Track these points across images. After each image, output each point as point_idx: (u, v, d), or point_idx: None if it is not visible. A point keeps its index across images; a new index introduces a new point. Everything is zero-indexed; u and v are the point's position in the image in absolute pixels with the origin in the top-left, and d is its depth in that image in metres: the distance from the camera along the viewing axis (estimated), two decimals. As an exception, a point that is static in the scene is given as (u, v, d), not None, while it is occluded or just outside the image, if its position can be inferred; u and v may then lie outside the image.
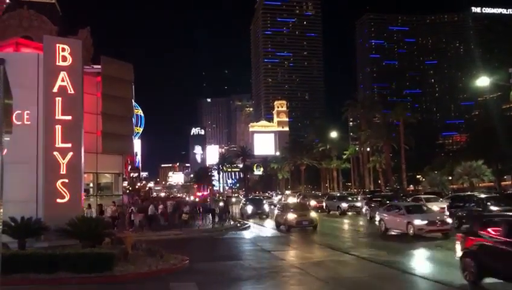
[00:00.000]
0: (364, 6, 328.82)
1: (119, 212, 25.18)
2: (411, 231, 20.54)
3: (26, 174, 18.46)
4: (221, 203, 37.04)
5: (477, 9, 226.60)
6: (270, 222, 33.04)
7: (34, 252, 13.28)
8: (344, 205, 38.80)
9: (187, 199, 73.69)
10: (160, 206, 32.09)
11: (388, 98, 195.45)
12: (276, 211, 29.26)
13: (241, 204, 43.29)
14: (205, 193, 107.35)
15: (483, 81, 31.64)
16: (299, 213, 26.02)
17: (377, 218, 24.04)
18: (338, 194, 49.63)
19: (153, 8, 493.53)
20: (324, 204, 42.73)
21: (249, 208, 38.03)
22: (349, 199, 43.05)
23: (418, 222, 20.46)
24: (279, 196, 76.66)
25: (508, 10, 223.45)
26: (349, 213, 38.31)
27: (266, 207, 38.82)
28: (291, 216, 25.68)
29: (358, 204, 39.52)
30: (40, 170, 18.63)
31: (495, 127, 61.23)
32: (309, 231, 25.10)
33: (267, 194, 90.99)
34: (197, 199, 67.43)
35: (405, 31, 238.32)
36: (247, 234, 25.95)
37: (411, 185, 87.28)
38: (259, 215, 37.18)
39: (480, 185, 57.97)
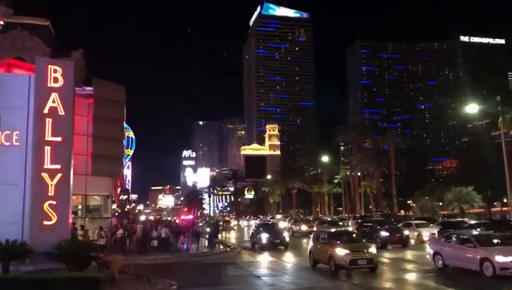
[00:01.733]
0: (356, 33, 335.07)
1: (87, 237, 23.90)
2: (489, 271, 15.33)
3: (13, 196, 18.22)
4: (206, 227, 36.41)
5: (466, 38, 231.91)
6: (290, 255, 26.98)
7: (17, 276, 12.96)
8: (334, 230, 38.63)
9: (177, 221, 72.93)
10: (119, 232, 27.90)
11: (379, 123, 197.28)
12: (310, 243, 21.27)
13: (251, 231, 35.19)
14: (190, 217, 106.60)
15: (472, 108, 32.11)
16: (352, 247, 18.06)
17: (430, 250, 19.04)
18: (329, 219, 49.46)
19: (147, 31, 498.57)
20: (315, 229, 42.58)
21: (264, 237, 29.97)
22: (340, 223, 42.97)
23: (501, 258, 15.18)
24: (272, 221, 76.04)
25: (495, 40, 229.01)
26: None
27: (286, 235, 31.04)
28: (341, 252, 17.66)
29: (349, 229, 39.35)
30: (28, 192, 18.38)
31: (484, 153, 61.93)
32: (363, 273, 17.87)
33: (276, 218, 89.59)
34: (180, 222, 66.79)
35: (395, 58, 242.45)
36: (237, 259, 25.62)
37: (402, 211, 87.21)
38: (276, 245, 29.77)
39: (470, 211, 58.15)
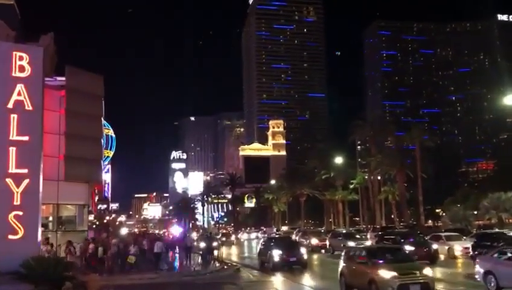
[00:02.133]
0: (374, 12, 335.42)
1: (52, 253, 23.36)
2: None
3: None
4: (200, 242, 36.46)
5: (504, 17, 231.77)
6: (308, 277, 25.36)
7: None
8: (351, 244, 38.36)
9: (166, 234, 73.19)
10: (90, 247, 26.56)
11: (402, 118, 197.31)
12: (341, 263, 19.21)
13: (259, 246, 33.21)
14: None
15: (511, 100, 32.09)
16: (400, 268, 15.99)
17: (480, 269, 18.23)
18: (343, 231, 49.49)
19: (129, 14, 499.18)
20: (327, 243, 42.51)
21: (276, 254, 28.00)
22: (357, 236, 42.88)
23: None
24: (278, 233, 76.04)
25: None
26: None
27: (303, 252, 29.08)
28: (386, 274, 15.77)
29: (368, 243, 39.36)
30: (-10, 201, 18.42)
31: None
32: None
33: (281, 230, 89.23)
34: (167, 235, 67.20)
35: (421, 41, 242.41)
36: (237, 278, 25.68)
37: (429, 221, 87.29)
38: (292, 265, 27.85)
39: (510, 220, 58.14)
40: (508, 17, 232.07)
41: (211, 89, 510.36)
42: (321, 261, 34.60)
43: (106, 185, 69.20)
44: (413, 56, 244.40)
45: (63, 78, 25.19)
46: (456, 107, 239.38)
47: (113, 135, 50.31)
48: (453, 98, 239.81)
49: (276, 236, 45.82)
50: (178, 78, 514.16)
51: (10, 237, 18.09)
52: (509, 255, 17.41)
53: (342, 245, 38.70)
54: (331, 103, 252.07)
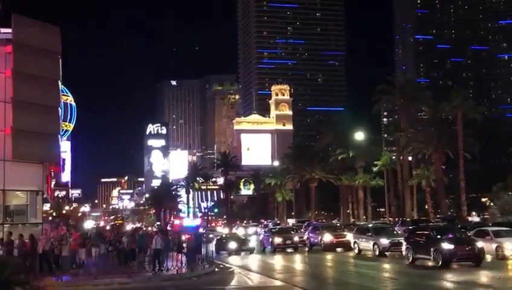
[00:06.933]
0: None
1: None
2: None
3: None
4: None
5: None
6: None
7: None
8: (384, 241, 37.64)
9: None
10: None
11: (440, 82, 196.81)
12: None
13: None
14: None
15: None
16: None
17: None
18: (370, 225, 48.75)
19: None
20: (352, 240, 41.98)
21: None
22: (392, 232, 42.23)
23: None
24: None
25: None
26: (387, 253, 37.80)
27: None
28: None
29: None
30: None
31: None
32: None
33: (289, 224, 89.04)
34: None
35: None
36: (233, 283, 25.90)
37: (473, 212, 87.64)
38: None
39: None
40: None
41: (197, 45, 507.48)
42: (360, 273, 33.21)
43: (64, 167, 69.38)
44: (454, 2, 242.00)
45: (9, 30, 25.01)
46: (509, 69, 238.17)
47: (74, 104, 50.29)
48: (506, 56, 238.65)
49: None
50: (157, 32, 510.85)
51: None
52: None
53: (373, 243, 38.39)
54: (351, 63, 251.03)
